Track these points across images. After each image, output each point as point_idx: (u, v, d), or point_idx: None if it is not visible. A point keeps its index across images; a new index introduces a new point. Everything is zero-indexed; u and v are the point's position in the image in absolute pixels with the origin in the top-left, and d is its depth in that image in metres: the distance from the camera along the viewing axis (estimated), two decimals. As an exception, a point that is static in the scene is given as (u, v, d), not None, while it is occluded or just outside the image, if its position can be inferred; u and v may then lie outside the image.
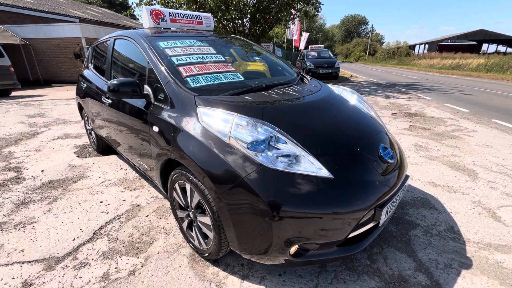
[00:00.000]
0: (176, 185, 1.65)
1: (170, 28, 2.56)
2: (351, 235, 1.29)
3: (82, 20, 15.02)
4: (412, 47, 46.09)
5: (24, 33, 12.14)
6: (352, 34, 72.31)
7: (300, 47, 25.89)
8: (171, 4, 9.43)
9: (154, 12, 2.45)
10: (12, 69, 8.22)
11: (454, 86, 11.05)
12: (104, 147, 3.27)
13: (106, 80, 2.56)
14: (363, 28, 72.97)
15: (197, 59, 1.97)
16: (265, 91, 1.83)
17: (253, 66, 2.69)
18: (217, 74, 1.89)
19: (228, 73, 1.96)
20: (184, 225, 1.72)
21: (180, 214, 1.73)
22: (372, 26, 55.29)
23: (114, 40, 2.50)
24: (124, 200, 2.31)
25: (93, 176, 2.76)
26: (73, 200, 2.30)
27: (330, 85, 2.35)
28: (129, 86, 1.76)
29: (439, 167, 2.94)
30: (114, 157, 3.28)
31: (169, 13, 2.54)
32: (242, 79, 1.98)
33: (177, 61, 1.87)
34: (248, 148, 1.26)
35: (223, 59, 2.14)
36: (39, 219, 2.04)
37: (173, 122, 1.56)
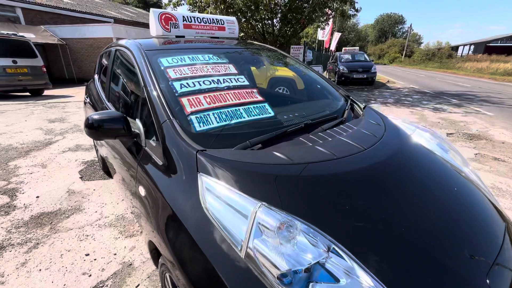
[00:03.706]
0: (167, 275, 1.11)
1: (184, 36, 2.05)
2: None
3: (117, 21, 15.43)
4: (455, 48, 42.22)
5: (61, 33, 12.62)
6: (386, 34, 68.19)
7: (330, 48, 24.59)
8: (200, 3, 9.08)
9: (164, 16, 1.94)
10: (44, 69, 8.40)
11: (516, 97, 9.45)
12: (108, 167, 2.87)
13: (104, 98, 2.12)
14: (399, 27, 68.48)
15: (210, 83, 1.41)
16: (305, 138, 1.22)
17: (282, 71, 2.19)
18: (237, 108, 1.32)
19: (252, 106, 1.37)
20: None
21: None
22: (410, 25, 51.44)
23: (115, 50, 2.04)
24: (115, 254, 1.83)
25: (89, 210, 2.34)
26: (56, 249, 1.87)
27: (391, 117, 1.69)
28: (113, 123, 1.25)
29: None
30: (119, 181, 2.87)
31: (183, 17, 2.03)
32: (272, 114, 1.39)
33: (181, 87, 1.32)
34: (281, 282, 0.67)
35: (246, 82, 1.56)
36: (7, 279, 1.62)
37: (162, 193, 1.01)
